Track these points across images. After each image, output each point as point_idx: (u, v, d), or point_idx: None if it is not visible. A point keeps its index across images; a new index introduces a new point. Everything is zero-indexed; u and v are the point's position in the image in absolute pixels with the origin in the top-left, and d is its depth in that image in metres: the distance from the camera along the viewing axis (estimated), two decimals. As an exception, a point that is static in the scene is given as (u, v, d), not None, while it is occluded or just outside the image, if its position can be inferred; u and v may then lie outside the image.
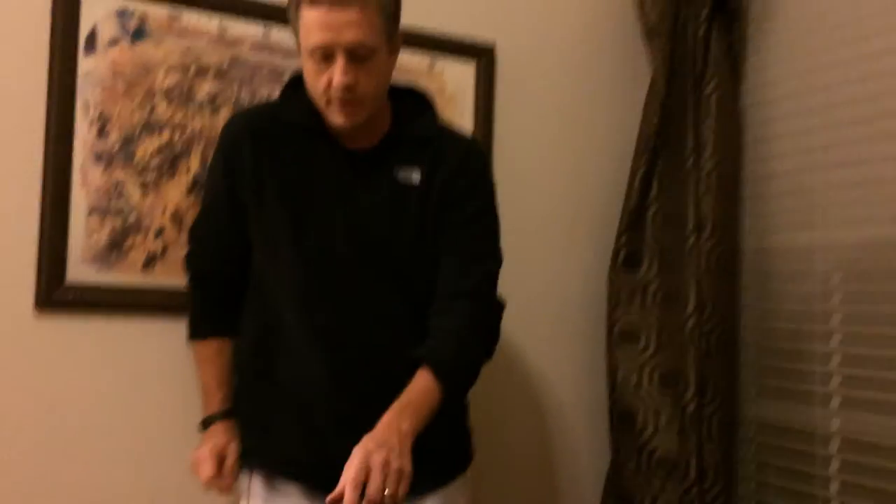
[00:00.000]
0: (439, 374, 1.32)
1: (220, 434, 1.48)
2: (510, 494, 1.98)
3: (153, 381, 1.70)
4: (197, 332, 1.55)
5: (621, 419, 1.96)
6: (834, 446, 1.80)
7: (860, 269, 1.78)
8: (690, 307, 1.93)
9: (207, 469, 1.42)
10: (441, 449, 1.37)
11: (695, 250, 1.94)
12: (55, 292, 1.61)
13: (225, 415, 1.50)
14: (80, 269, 1.63)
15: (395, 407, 1.27)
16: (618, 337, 1.99)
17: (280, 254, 1.42)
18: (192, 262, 1.57)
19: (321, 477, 1.37)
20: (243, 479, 1.49)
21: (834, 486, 1.80)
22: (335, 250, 1.40)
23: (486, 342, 1.46)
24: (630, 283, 2.00)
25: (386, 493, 1.16)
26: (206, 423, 1.50)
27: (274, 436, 1.46)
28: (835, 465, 1.80)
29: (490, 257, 1.47)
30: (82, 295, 1.63)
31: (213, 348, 1.53)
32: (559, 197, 2.09)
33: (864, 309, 1.77)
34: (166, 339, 1.70)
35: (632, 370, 1.97)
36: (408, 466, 1.20)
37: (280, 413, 1.45)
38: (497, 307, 1.50)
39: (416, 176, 1.42)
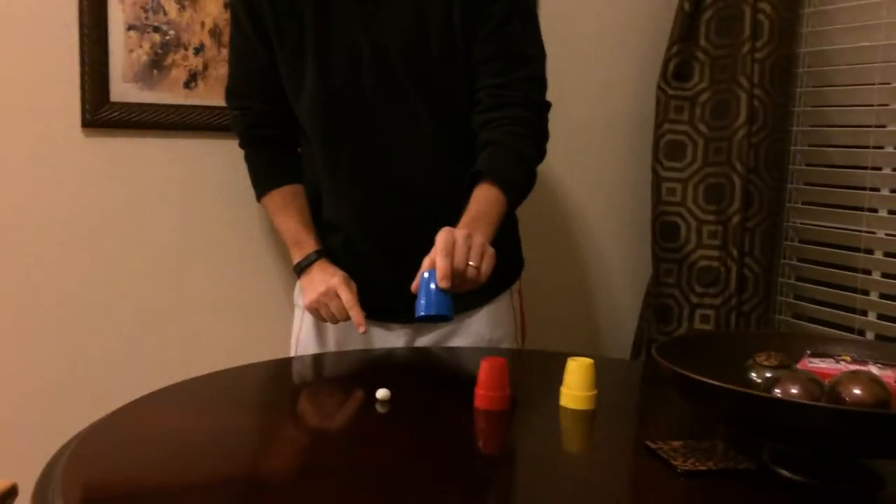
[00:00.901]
0: (504, 187, 1.29)
1: (334, 268, 1.43)
2: (550, 305, 2.04)
3: (196, 198, 1.74)
4: (262, 189, 1.49)
5: (663, 232, 1.97)
6: (878, 255, 1.81)
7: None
8: (741, 119, 1.87)
9: (348, 296, 1.36)
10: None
11: (749, 58, 1.86)
12: (100, 111, 1.62)
13: (323, 253, 1.45)
14: (123, 89, 1.63)
15: (466, 218, 1.24)
16: (664, 150, 1.97)
17: (304, 93, 1.37)
18: (240, 122, 1.49)
19: (368, 305, 1.41)
20: (298, 310, 1.53)
21: (874, 296, 1.82)
22: (361, 80, 1.34)
23: (540, 148, 1.41)
24: (679, 95, 1.95)
25: (471, 263, 1.14)
26: (302, 266, 1.45)
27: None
28: (876, 275, 1.82)
29: (533, 58, 1.39)
30: (127, 113, 1.64)
31: (285, 195, 1.48)
32: (607, 5, 2.00)
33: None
34: (209, 156, 1.72)
35: (677, 183, 1.96)
36: (491, 249, 1.18)
37: (329, 249, 1.47)
38: (545, 108, 1.42)
39: None
